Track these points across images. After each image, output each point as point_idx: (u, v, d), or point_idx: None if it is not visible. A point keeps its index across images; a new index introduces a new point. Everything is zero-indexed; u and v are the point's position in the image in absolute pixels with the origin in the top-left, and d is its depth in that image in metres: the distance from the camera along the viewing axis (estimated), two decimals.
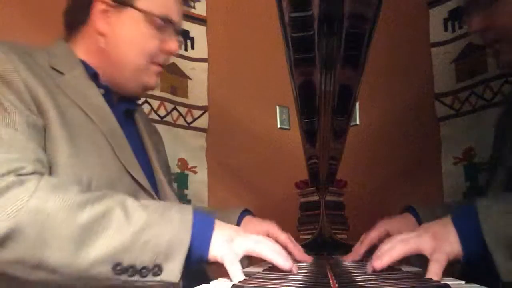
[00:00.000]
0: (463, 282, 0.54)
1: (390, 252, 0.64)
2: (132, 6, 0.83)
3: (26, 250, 0.57)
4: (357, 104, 0.68)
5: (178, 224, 0.63)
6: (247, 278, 0.60)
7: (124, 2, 0.83)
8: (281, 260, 0.66)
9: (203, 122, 1.48)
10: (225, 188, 1.46)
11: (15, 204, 0.57)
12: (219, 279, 0.64)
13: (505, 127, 0.93)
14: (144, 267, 0.60)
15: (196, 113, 1.47)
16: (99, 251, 0.59)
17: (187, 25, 1.44)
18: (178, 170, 1.41)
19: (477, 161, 1.27)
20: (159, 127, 1.14)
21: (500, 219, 0.61)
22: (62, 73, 0.77)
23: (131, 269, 0.60)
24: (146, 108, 1.33)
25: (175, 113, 1.44)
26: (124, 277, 0.60)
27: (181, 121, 1.45)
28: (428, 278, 0.56)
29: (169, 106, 1.42)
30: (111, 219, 0.61)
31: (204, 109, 1.48)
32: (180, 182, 1.40)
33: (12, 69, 0.68)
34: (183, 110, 1.46)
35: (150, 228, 0.62)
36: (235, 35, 1.50)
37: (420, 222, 0.88)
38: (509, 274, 0.58)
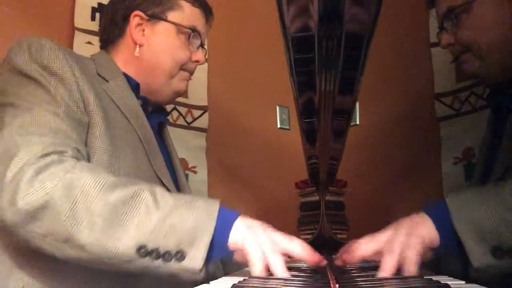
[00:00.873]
0: (463, 282, 0.54)
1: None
2: (164, 19, 0.92)
3: (57, 223, 0.60)
4: (357, 104, 0.68)
5: (204, 212, 0.64)
6: (247, 278, 0.60)
7: (157, 16, 0.92)
8: (309, 256, 0.66)
9: (203, 122, 1.48)
10: (225, 188, 1.46)
11: (53, 179, 0.61)
12: (218, 279, 0.64)
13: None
14: (167, 252, 0.61)
15: (196, 113, 1.48)
16: (125, 231, 0.61)
17: None
18: None
19: (477, 161, 1.27)
20: None
21: (468, 206, 0.62)
22: (107, 80, 0.84)
23: (155, 253, 0.61)
24: None
25: (175, 113, 1.44)
26: (147, 260, 0.61)
27: (181, 121, 1.45)
28: (428, 278, 0.56)
29: (169, 106, 1.42)
30: (139, 201, 0.63)
31: (204, 109, 1.48)
32: None
33: (68, 70, 0.74)
34: (183, 110, 1.46)
35: (176, 213, 0.63)
36: (235, 35, 1.50)
37: None
38: (479, 259, 0.60)
